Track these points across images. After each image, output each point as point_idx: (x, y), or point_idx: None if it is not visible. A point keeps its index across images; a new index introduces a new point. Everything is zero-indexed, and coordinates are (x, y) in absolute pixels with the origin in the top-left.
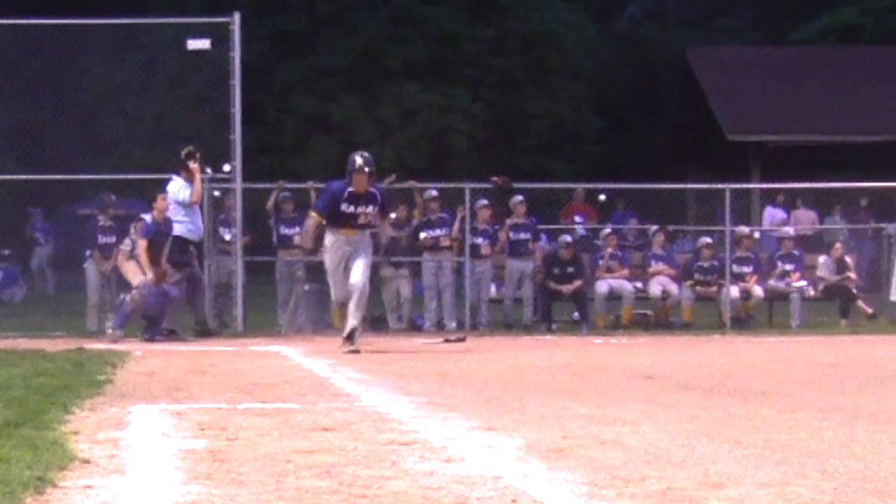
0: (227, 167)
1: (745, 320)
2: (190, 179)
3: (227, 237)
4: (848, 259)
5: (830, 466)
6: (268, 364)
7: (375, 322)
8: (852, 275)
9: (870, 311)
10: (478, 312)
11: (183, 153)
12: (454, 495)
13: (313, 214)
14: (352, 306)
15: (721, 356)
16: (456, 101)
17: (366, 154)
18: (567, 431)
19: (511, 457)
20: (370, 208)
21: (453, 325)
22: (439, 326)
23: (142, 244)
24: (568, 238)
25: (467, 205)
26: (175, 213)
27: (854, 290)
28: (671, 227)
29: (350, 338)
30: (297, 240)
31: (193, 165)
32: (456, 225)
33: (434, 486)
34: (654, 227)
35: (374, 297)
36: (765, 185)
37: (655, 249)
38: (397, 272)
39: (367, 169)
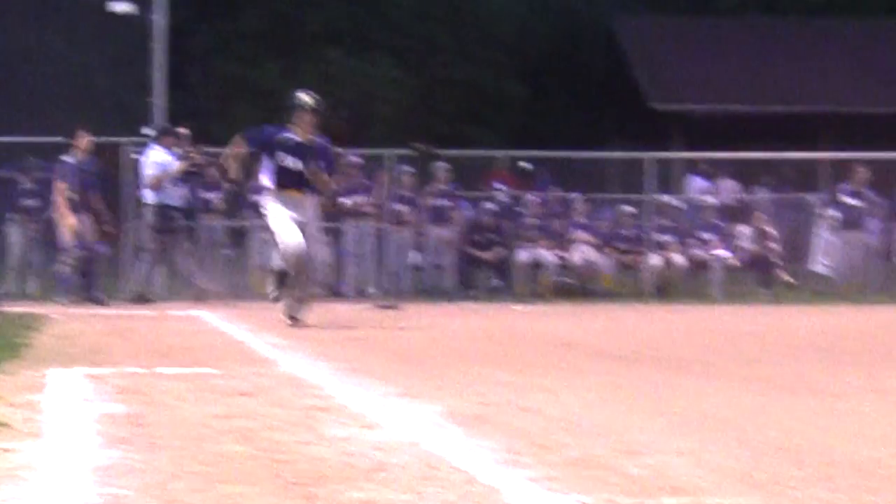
0: (147, 130)
1: (665, 289)
2: (170, 146)
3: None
4: (770, 229)
5: (748, 435)
6: (186, 328)
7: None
8: (774, 245)
9: (790, 281)
10: (399, 279)
11: (161, 127)
12: (372, 461)
13: (238, 139)
14: (304, 278)
15: (641, 325)
16: (378, 67)
17: (313, 94)
18: (486, 398)
19: (430, 423)
20: (312, 164)
21: (374, 291)
22: (360, 293)
23: (59, 187)
24: (490, 205)
25: (389, 171)
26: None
27: (775, 260)
28: (593, 196)
29: (292, 314)
30: (215, 202)
31: (184, 131)
32: (377, 191)
33: (352, 451)
34: (577, 196)
35: None
36: (687, 155)
37: (577, 218)
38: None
39: (317, 110)
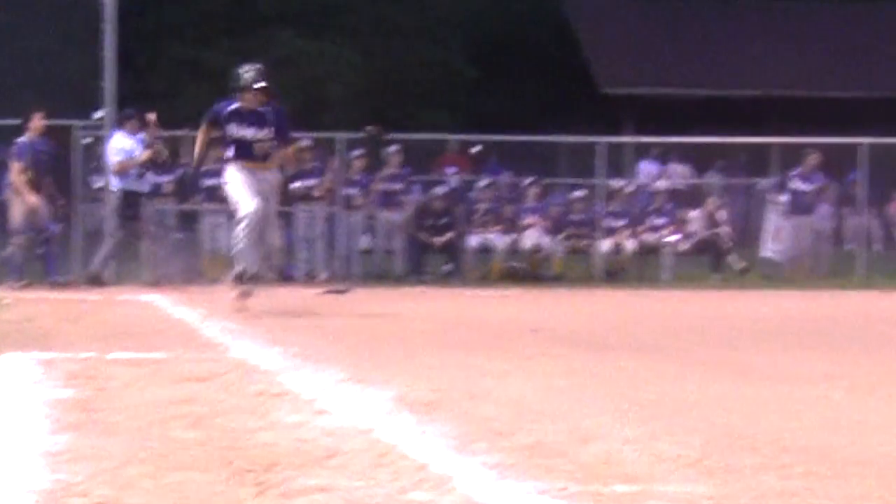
0: (98, 114)
1: (616, 273)
2: (134, 132)
3: (97, 185)
4: (720, 214)
5: (698, 422)
6: (138, 313)
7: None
8: (724, 229)
9: (741, 265)
10: (349, 263)
11: (124, 112)
12: (324, 448)
13: (203, 125)
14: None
15: (593, 310)
16: (330, 49)
17: (258, 65)
18: (437, 384)
19: (382, 410)
20: (265, 131)
21: (325, 275)
22: (310, 277)
23: (16, 167)
24: (441, 189)
25: (340, 155)
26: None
27: (725, 245)
28: (545, 180)
29: (241, 278)
30: (166, 186)
31: (151, 117)
32: (328, 175)
33: (304, 438)
34: (528, 180)
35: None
36: (638, 139)
37: (528, 202)
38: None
39: (259, 84)
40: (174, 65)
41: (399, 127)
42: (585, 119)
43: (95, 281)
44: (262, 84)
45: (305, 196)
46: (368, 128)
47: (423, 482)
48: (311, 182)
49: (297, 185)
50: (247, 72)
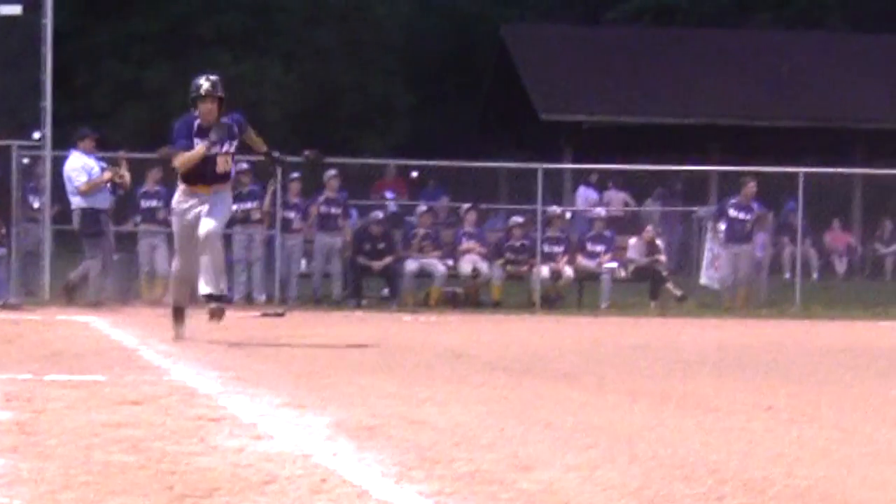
0: (36, 134)
1: (554, 300)
2: (90, 151)
3: (36, 205)
4: (658, 241)
5: (639, 451)
6: (75, 334)
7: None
8: (662, 257)
9: (679, 293)
10: (287, 286)
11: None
12: (263, 473)
13: (174, 153)
14: (204, 267)
15: (530, 336)
16: (268, 72)
17: (213, 76)
18: (376, 410)
19: (320, 435)
20: (227, 146)
21: (263, 298)
22: (248, 300)
23: None
24: (379, 214)
25: (278, 178)
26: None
27: (664, 273)
28: (483, 206)
29: (215, 310)
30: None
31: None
32: (267, 198)
33: (243, 463)
34: (466, 206)
35: None
36: (577, 166)
37: (467, 227)
38: None
39: (216, 94)
40: (114, 85)
41: (337, 151)
42: (525, 145)
43: (69, 293)
44: (214, 92)
45: (244, 219)
46: (307, 152)
47: None
48: (249, 205)
49: (235, 208)
50: (200, 81)
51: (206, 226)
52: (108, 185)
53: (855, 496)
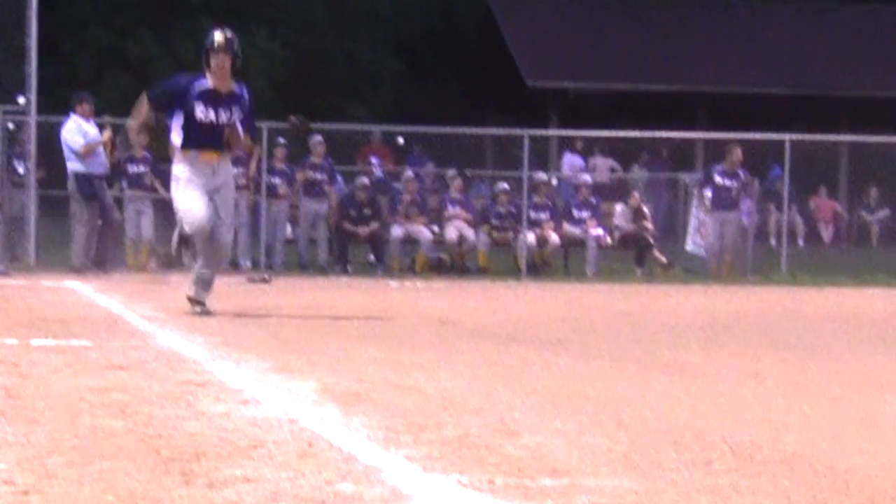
0: (21, 99)
1: (540, 267)
2: (87, 115)
3: (21, 170)
4: (644, 208)
5: (626, 416)
6: (61, 300)
7: (169, 259)
8: (648, 224)
9: (665, 260)
10: (273, 253)
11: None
12: (250, 438)
13: (143, 101)
14: (210, 258)
15: (516, 303)
16: (254, 39)
17: (229, 31)
18: (363, 375)
19: (307, 400)
20: (233, 115)
21: (248, 264)
22: (233, 266)
23: None
24: (364, 180)
25: (264, 144)
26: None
27: (650, 240)
28: (469, 172)
29: (198, 298)
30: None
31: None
32: (252, 164)
33: (230, 428)
34: (452, 172)
35: (168, 234)
36: (563, 132)
37: (452, 194)
38: None
39: (231, 49)
40: (98, 52)
41: (323, 118)
42: (511, 112)
43: (83, 269)
44: (230, 47)
45: None
46: (292, 118)
47: (350, 474)
48: (234, 171)
49: None
50: (216, 33)
51: (224, 235)
52: (105, 149)
53: (842, 462)
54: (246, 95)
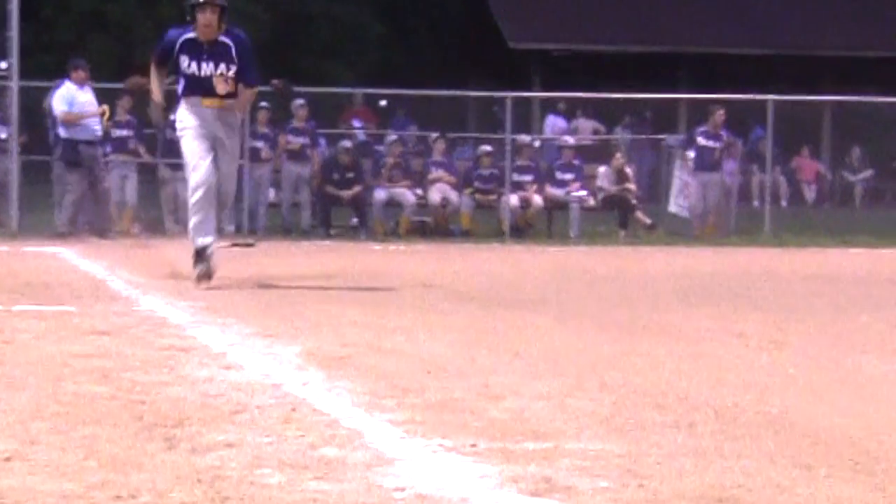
0: (3, 64)
1: (524, 229)
2: (82, 82)
3: (3, 136)
4: (628, 169)
5: (609, 379)
6: (44, 265)
7: (152, 224)
8: (632, 185)
9: (648, 221)
10: (256, 217)
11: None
12: (234, 403)
13: (152, 66)
14: (207, 216)
15: (500, 265)
16: (235, 2)
17: None
18: (346, 339)
19: (290, 364)
20: (223, 67)
21: (231, 228)
22: (217, 230)
23: None
24: (347, 143)
25: (246, 108)
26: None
27: (633, 201)
28: (452, 135)
29: (201, 255)
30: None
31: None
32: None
33: (213, 393)
34: (435, 134)
35: (151, 199)
36: (546, 94)
37: (436, 156)
38: (175, 174)
39: (218, 4)
40: (80, 16)
41: (306, 81)
42: (493, 74)
43: (66, 235)
44: (220, 3)
45: None
46: (275, 81)
47: (333, 438)
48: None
49: None
50: None
51: (226, 188)
52: (99, 119)
53: (825, 423)
54: (235, 44)
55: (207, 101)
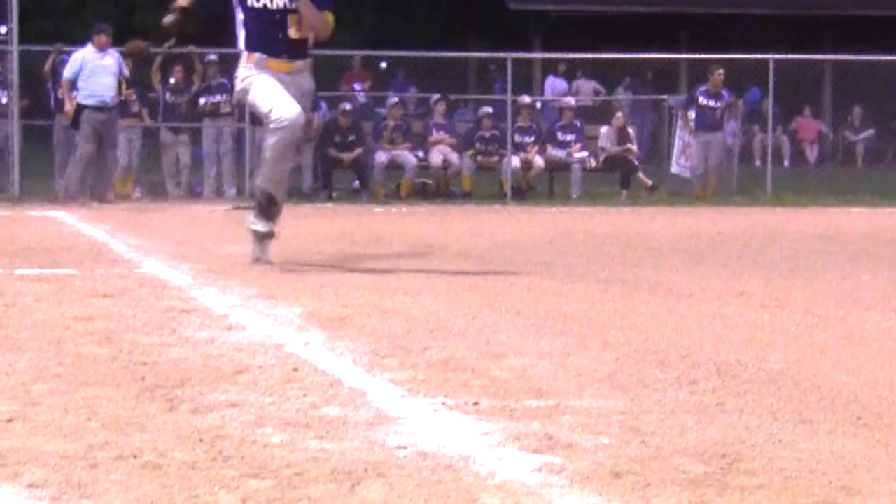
0: (2, 29)
1: (525, 191)
2: (104, 47)
3: (3, 100)
4: (629, 130)
5: (611, 337)
6: (45, 229)
7: (154, 188)
8: (633, 146)
9: (649, 182)
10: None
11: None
12: (235, 363)
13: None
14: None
15: (501, 227)
16: None
17: None
18: (347, 300)
19: (292, 325)
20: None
21: (233, 192)
22: (218, 193)
23: None
24: (347, 105)
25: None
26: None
27: (634, 162)
28: (452, 97)
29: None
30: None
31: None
32: (235, 90)
33: (215, 353)
34: (436, 96)
35: (153, 162)
36: (546, 55)
37: (436, 118)
38: (177, 138)
39: None
40: None
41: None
42: (493, 35)
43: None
44: None
45: (213, 112)
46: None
47: (335, 397)
48: (218, 98)
49: (204, 101)
50: None
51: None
52: (114, 85)
53: (827, 380)
54: None
55: (276, 65)
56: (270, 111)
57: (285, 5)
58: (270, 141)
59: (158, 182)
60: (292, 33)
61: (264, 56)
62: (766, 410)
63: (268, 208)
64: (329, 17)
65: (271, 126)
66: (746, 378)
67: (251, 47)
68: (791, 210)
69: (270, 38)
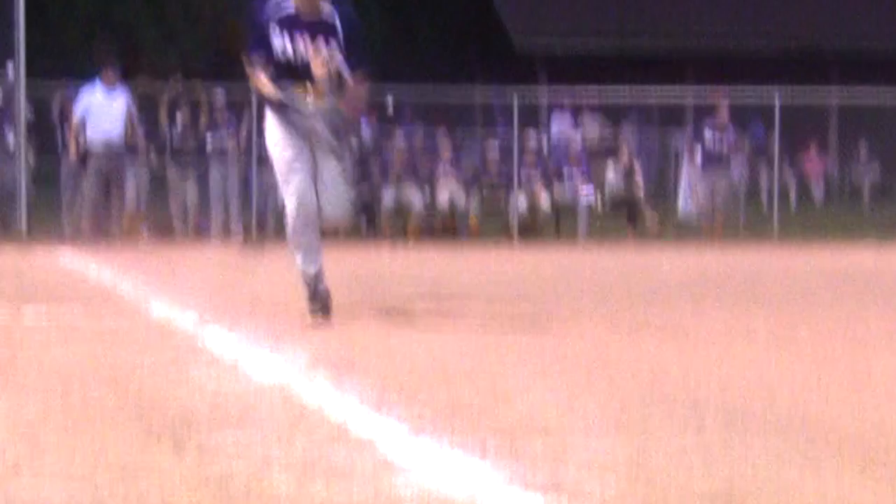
0: (10, 67)
1: (531, 229)
2: (112, 83)
3: (10, 139)
4: (636, 167)
5: (618, 380)
6: (53, 268)
7: (161, 227)
8: (639, 179)
9: (656, 219)
10: (264, 220)
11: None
12: (241, 407)
13: (254, 69)
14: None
15: (508, 266)
16: (242, 2)
17: None
18: (354, 342)
19: (298, 368)
20: (326, 43)
21: (240, 228)
22: (225, 234)
23: None
24: (353, 143)
25: (253, 109)
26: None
27: (641, 199)
28: (459, 135)
29: (317, 298)
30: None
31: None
32: (243, 130)
33: (221, 397)
34: (442, 134)
35: (160, 202)
36: (553, 88)
37: (443, 156)
38: (185, 174)
39: None
40: (86, 19)
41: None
42: (500, 72)
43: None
44: None
45: (219, 152)
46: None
47: (342, 440)
48: (223, 136)
49: (212, 138)
50: None
51: (336, 202)
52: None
53: (834, 422)
54: (342, 19)
55: (300, 88)
56: (279, 180)
57: (302, 57)
58: (288, 226)
59: (166, 221)
60: (317, 73)
61: (289, 82)
62: (773, 453)
63: (316, 288)
64: (363, 89)
65: (284, 206)
66: (753, 421)
67: (278, 75)
68: (798, 248)
69: (284, 72)
